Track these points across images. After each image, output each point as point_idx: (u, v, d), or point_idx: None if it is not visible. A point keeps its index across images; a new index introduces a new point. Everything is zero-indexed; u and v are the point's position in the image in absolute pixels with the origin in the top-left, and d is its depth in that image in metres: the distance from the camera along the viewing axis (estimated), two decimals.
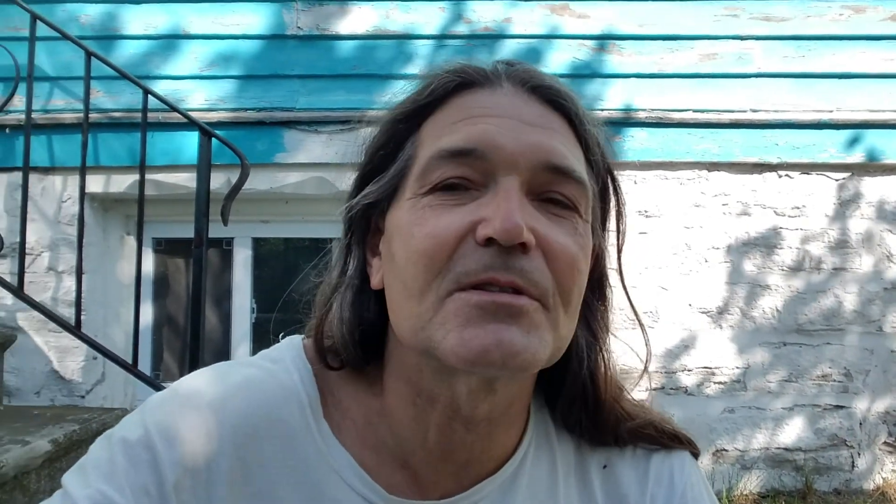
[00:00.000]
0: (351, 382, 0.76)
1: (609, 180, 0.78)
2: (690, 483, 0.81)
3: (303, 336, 0.80)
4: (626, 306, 0.83)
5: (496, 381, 0.68)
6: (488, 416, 0.71)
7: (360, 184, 0.76)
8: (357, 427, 0.74)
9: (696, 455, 0.85)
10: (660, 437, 0.82)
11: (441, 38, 3.66)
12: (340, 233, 0.78)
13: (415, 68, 3.59)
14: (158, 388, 2.84)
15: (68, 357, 3.49)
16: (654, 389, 3.64)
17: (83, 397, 3.49)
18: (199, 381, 0.73)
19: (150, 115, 3.01)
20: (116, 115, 3.51)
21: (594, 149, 0.74)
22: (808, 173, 3.76)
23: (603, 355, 0.78)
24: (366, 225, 0.76)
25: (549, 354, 0.66)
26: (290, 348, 0.78)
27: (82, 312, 2.95)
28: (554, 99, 0.72)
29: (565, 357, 0.74)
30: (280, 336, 0.82)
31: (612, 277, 0.81)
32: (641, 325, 0.83)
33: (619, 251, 0.81)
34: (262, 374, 0.74)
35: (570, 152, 0.69)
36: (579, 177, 0.68)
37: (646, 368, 0.84)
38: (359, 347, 0.74)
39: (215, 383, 0.72)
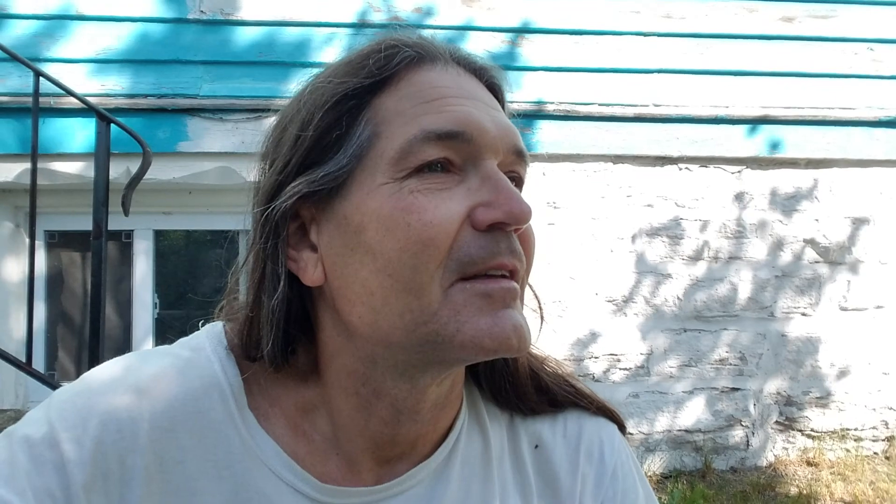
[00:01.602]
0: (279, 370, 0.71)
1: None
2: (621, 461, 0.82)
3: (223, 322, 0.75)
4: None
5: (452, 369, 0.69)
6: (434, 404, 0.71)
7: (294, 172, 0.67)
8: (286, 416, 0.71)
9: (622, 429, 0.86)
10: (587, 404, 0.83)
11: (351, 26, 3.61)
12: (251, 225, 0.71)
13: (324, 57, 3.53)
14: (54, 386, 2.69)
15: None
16: None
17: None
18: (111, 372, 0.68)
19: (41, 99, 2.84)
20: (4, 99, 3.30)
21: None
22: (706, 166, 3.93)
23: None
24: (289, 215, 0.68)
25: None
26: (211, 336, 0.73)
27: None
28: (492, 81, 0.74)
29: None
30: (200, 324, 0.77)
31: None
32: (535, 294, 0.80)
33: None
34: (180, 364, 0.69)
35: None
36: (528, 158, 0.72)
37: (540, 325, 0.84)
38: (285, 344, 0.69)
39: (128, 374, 0.67)
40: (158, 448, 0.65)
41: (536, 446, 0.81)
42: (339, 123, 0.66)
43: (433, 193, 0.63)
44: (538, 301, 0.79)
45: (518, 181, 0.71)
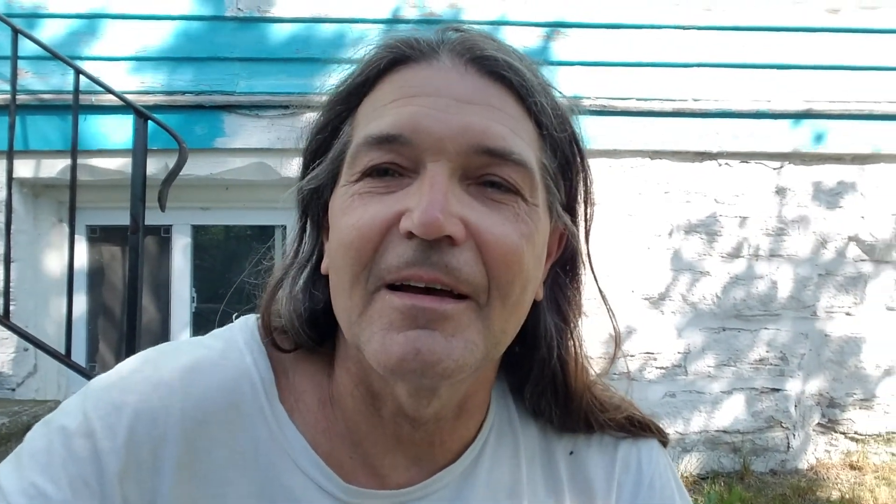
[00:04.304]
0: (306, 364, 0.73)
1: (574, 153, 0.71)
2: (658, 472, 0.80)
3: (257, 316, 0.75)
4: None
5: (437, 384, 0.64)
6: (436, 416, 0.69)
7: (305, 167, 0.72)
8: (311, 410, 0.71)
9: (664, 443, 0.83)
10: (629, 426, 0.80)
11: (386, 22, 3.61)
12: (292, 216, 0.75)
13: (359, 54, 3.53)
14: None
15: None
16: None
17: (13, 390, 3.36)
18: (145, 363, 0.69)
19: (81, 97, 2.90)
20: (46, 96, 3.37)
21: (547, 121, 0.67)
22: (746, 162, 3.84)
23: (574, 341, 0.76)
24: (319, 206, 0.71)
25: (481, 356, 0.62)
26: (244, 328, 0.74)
27: (11, 302, 2.85)
28: (495, 70, 0.65)
29: (532, 344, 0.73)
30: (234, 317, 0.77)
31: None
32: (610, 310, 0.80)
33: (587, 235, 0.78)
34: (213, 355, 0.70)
35: (513, 129, 0.64)
36: (519, 158, 0.63)
37: (615, 354, 0.82)
38: (307, 328, 0.70)
39: (161, 366, 0.68)
40: (190, 439, 0.65)
41: (571, 452, 0.79)
42: (327, 128, 0.70)
43: (372, 197, 0.62)
44: (606, 304, 0.79)
45: (502, 186, 0.63)
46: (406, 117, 0.62)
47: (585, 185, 0.74)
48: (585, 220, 0.76)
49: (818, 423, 3.92)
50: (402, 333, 0.59)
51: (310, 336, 0.71)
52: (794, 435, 3.88)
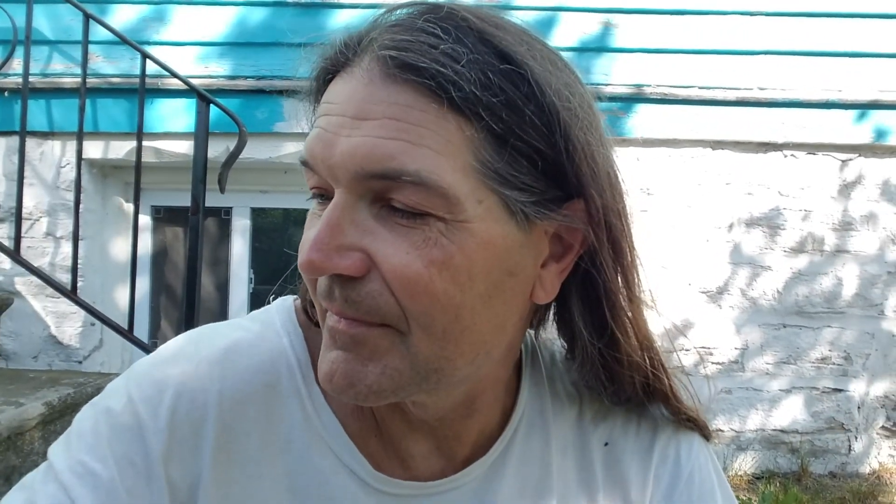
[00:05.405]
0: None
1: (561, 138, 0.58)
2: (699, 465, 0.78)
3: (295, 297, 0.77)
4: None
5: (371, 402, 0.62)
6: (438, 418, 0.69)
7: None
8: None
9: (707, 437, 0.81)
10: (672, 415, 0.79)
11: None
12: None
13: None
14: None
15: (66, 322, 3.50)
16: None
17: (80, 363, 3.51)
18: (185, 344, 0.70)
19: (148, 81, 2.99)
20: (115, 80, 3.48)
21: (490, 112, 0.55)
22: (813, 153, 3.71)
23: (627, 326, 0.69)
24: None
25: (408, 381, 0.59)
26: (281, 310, 0.74)
27: (79, 278, 2.96)
28: (409, 63, 0.55)
29: (570, 346, 0.72)
30: (270, 299, 0.79)
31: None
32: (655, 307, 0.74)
33: (621, 220, 0.66)
34: (251, 337, 0.71)
35: (415, 141, 0.54)
36: (415, 177, 0.54)
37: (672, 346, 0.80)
38: None
39: (201, 347, 0.69)
40: (228, 419, 0.66)
41: (606, 444, 0.78)
42: None
43: (313, 219, 0.63)
44: (651, 296, 0.72)
45: (406, 212, 0.56)
46: (310, 142, 0.60)
47: (592, 169, 0.60)
48: (609, 207, 0.63)
49: (882, 427, 3.77)
50: (330, 352, 0.60)
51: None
52: (856, 437, 3.75)
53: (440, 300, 0.56)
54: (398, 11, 0.61)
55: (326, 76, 0.63)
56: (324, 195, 0.61)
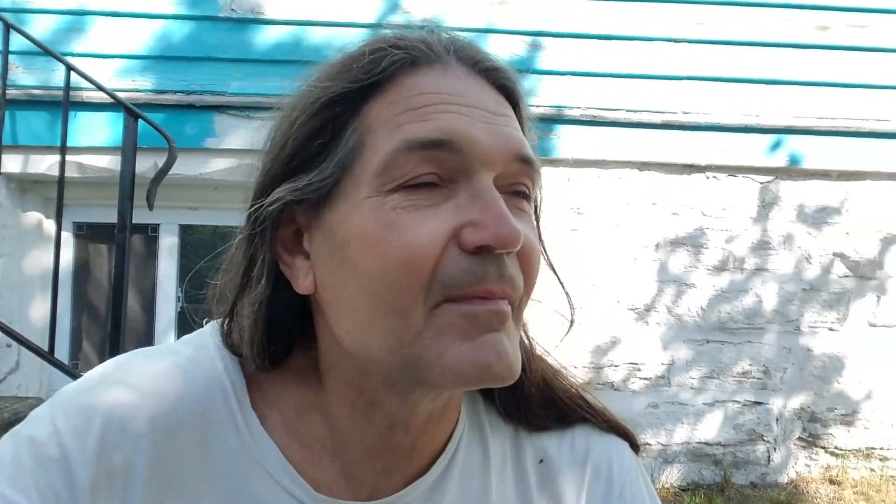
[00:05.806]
0: (278, 371, 0.70)
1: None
2: (630, 479, 0.79)
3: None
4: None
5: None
6: (429, 417, 0.69)
7: (280, 176, 0.65)
8: (284, 419, 0.69)
9: (636, 448, 0.82)
10: (598, 421, 0.80)
11: (378, 27, 3.62)
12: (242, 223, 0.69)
13: None
14: (76, 376, 2.73)
15: None
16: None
17: None
18: (114, 370, 0.67)
19: (72, 93, 2.90)
20: (36, 92, 3.36)
21: (528, 131, 0.69)
22: (734, 175, 3.87)
23: (529, 339, 0.77)
24: (278, 223, 0.65)
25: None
26: (215, 334, 0.71)
27: None
28: (504, 83, 0.66)
29: None
30: (203, 321, 0.76)
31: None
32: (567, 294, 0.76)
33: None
34: (183, 362, 0.68)
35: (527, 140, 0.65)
36: (538, 166, 0.65)
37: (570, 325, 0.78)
38: (267, 350, 0.67)
39: (131, 373, 0.66)
40: (160, 448, 0.64)
41: (541, 461, 0.78)
42: (325, 130, 0.63)
43: (417, 211, 0.59)
44: (570, 305, 0.75)
45: (524, 195, 0.64)
46: (451, 124, 0.60)
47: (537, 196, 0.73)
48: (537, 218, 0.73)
49: (799, 438, 3.93)
50: (479, 340, 0.58)
51: (266, 357, 0.68)
52: (774, 449, 3.89)
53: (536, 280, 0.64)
54: (454, 38, 0.68)
55: (404, 66, 0.63)
56: (426, 183, 0.60)
